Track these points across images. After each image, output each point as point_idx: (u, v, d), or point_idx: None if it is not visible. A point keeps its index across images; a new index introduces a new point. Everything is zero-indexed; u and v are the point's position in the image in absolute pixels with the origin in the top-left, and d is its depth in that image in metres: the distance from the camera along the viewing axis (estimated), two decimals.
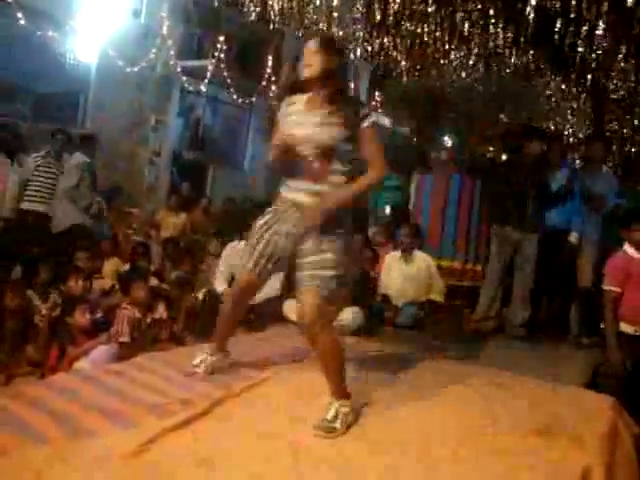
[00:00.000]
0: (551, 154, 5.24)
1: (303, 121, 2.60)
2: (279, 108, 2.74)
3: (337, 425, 2.42)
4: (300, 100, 2.67)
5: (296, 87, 2.70)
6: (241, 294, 2.91)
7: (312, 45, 2.60)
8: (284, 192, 2.70)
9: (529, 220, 4.82)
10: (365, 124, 2.56)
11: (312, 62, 2.57)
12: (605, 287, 3.77)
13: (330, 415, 2.45)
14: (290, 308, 4.73)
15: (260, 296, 4.61)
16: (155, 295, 4.34)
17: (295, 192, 2.64)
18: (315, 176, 2.58)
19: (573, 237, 5.02)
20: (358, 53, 7.68)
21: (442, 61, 7.28)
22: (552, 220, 5.02)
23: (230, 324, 3.07)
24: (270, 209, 2.74)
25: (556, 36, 5.76)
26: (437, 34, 6.63)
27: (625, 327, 3.68)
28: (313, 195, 2.58)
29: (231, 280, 4.76)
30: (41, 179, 5.82)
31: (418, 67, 8.12)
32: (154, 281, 4.92)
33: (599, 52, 5.80)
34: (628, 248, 3.76)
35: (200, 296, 4.93)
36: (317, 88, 2.61)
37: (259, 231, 2.71)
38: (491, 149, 11.11)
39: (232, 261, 4.81)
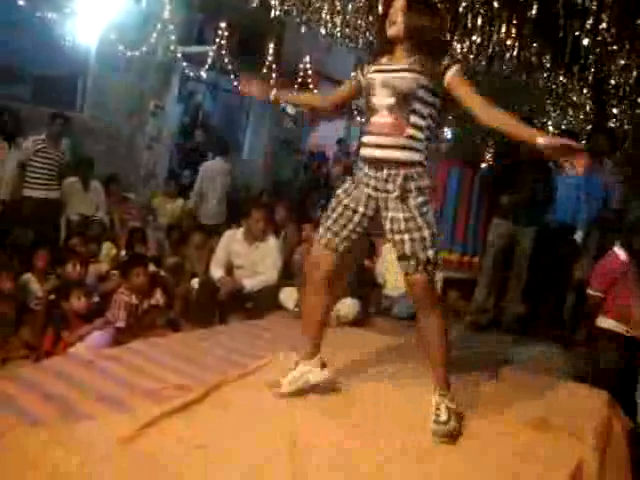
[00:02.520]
0: None
1: (382, 69, 2.45)
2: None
3: (453, 424, 2.35)
4: (381, 59, 2.50)
5: (381, 49, 2.53)
6: (313, 270, 2.58)
7: (401, 1, 2.39)
8: (362, 152, 2.49)
9: (525, 213, 4.81)
10: (451, 72, 2.35)
11: (398, 19, 2.39)
12: (589, 291, 3.84)
13: (443, 417, 2.34)
14: (287, 296, 4.74)
15: (257, 284, 4.62)
16: (153, 281, 4.34)
17: (372, 148, 2.43)
18: (392, 129, 2.37)
19: (579, 236, 4.98)
20: (360, 43, 7.64)
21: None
22: (558, 215, 4.99)
23: (316, 318, 2.65)
24: (350, 177, 2.56)
25: (560, 30, 5.73)
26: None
27: (617, 327, 3.71)
28: (392, 149, 2.38)
29: (230, 268, 4.77)
30: (42, 164, 5.76)
31: None
32: (152, 267, 4.90)
33: (602, 46, 5.78)
34: (617, 249, 3.79)
35: (195, 284, 4.92)
36: (402, 45, 2.43)
37: (334, 202, 2.53)
38: (490, 142, 11.07)
39: (229, 248, 4.80)
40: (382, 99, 2.40)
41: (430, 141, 2.46)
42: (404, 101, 2.35)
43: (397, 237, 2.37)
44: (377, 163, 2.41)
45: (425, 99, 2.38)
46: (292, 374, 2.62)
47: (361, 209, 2.47)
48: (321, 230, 2.54)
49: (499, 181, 5.07)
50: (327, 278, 2.58)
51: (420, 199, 2.36)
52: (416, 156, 2.40)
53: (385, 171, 2.39)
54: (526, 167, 4.81)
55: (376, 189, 2.42)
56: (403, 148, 2.37)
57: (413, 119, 2.37)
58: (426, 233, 2.34)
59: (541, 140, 2.18)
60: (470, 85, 2.39)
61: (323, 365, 2.67)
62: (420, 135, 2.39)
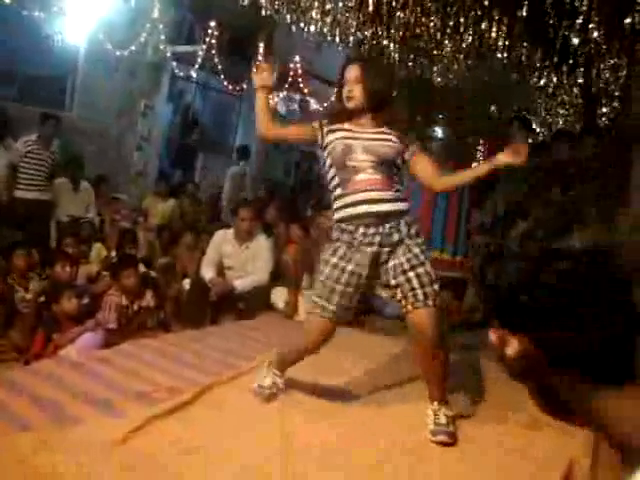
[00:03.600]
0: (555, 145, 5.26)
1: (356, 136, 2.45)
2: (318, 131, 2.53)
3: (452, 429, 2.38)
4: (346, 125, 2.51)
5: (340, 116, 2.54)
6: (319, 341, 2.53)
7: (353, 72, 2.46)
8: (352, 211, 2.42)
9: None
10: (414, 147, 2.49)
11: (355, 93, 2.45)
12: None
13: (443, 421, 2.38)
14: (278, 297, 4.73)
15: (248, 284, 4.60)
16: (143, 282, 4.31)
17: (368, 204, 2.40)
18: (383, 184, 2.42)
19: None
20: (351, 42, 7.63)
21: (434, 51, 7.25)
22: None
23: (303, 358, 2.67)
24: (337, 241, 2.46)
25: (549, 29, 5.76)
26: (430, 24, 6.59)
27: None
28: (388, 202, 2.40)
29: (221, 269, 4.74)
30: (33, 165, 5.72)
31: (410, 57, 8.08)
32: (142, 268, 4.88)
33: (592, 46, 5.80)
34: None
35: (186, 284, 4.90)
36: (363, 114, 2.49)
37: (334, 271, 2.42)
38: (482, 141, 11.09)
39: (220, 249, 4.78)
40: (365, 162, 2.42)
41: None
42: (387, 164, 2.44)
43: (401, 278, 2.38)
44: (376, 219, 2.39)
45: (397, 164, 2.50)
46: (273, 389, 2.63)
47: (365, 272, 2.42)
48: (330, 306, 2.43)
49: (489, 181, 5.08)
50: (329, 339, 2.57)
51: (420, 240, 2.45)
52: (406, 205, 2.48)
53: (387, 225, 2.40)
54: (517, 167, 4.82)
55: (381, 244, 2.40)
56: (396, 200, 2.44)
57: (394, 177, 2.48)
58: (428, 268, 2.40)
59: (498, 160, 2.38)
60: (427, 161, 2.50)
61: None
62: (401, 188, 2.50)
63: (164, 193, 7.92)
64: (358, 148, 2.42)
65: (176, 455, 2.06)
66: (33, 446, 2.00)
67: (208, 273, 4.62)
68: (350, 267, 2.41)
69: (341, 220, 2.46)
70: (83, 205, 6.35)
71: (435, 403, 2.44)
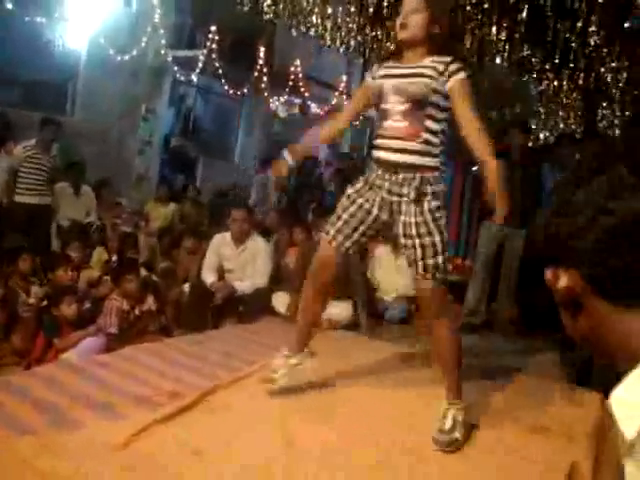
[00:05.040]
0: (558, 150, 5.26)
1: (392, 73, 2.38)
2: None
3: (457, 435, 2.28)
4: (390, 62, 2.46)
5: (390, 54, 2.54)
6: (320, 270, 2.52)
7: (412, 1, 2.34)
8: (375, 153, 2.45)
9: (515, 215, 4.82)
10: (454, 79, 2.27)
11: (409, 22, 2.33)
12: None
13: (448, 425, 2.29)
14: (279, 301, 4.72)
15: (249, 287, 4.60)
16: (144, 287, 4.30)
17: (387, 152, 2.37)
18: (407, 134, 2.32)
19: None
20: (351, 46, 7.64)
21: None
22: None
23: (310, 315, 2.64)
24: (362, 177, 2.50)
25: (550, 33, 5.77)
26: None
27: None
28: (407, 153, 2.32)
29: (221, 271, 4.74)
30: (33, 170, 5.72)
31: None
32: (143, 272, 4.87)
33: (592, 49, 5.82)
34: None
35: (186, 288, 4.89)
36: (412, 47, 2.37)
37: (346, 201, 2.47)
38: None
39: (219, 252, 4.78)
40: (395, 105, 2.35)
41: (444, 145, 2.40)
42: (418, 106, 2.31)
43: (408, 242, 2.33)
44: (392, 167, 2.36)
45: (439, 104, 2.33)
46: (282, 369, 2.61)
47: (375, 211, 2.42)
48: (331, 231, 2.48)
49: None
50: (331, 280, 2.57)
51: (434, 203, 2.32)
52: (432, 161, 2.35)
53: (401, 175, 2.34)
54: (516, 169, 4.83)
55: (390, 192, 2.37)
56: (419, 153, 2.33)
57: (428, 123, 2.33)
58: (437, 239, 2.30)
59: (486, 171, 2.27)
60: (467, 98, 2.31)
61: (312, 354, 2.68)
62: (435, 140, 2.35)
63: (165, 198, 7.91)
64: (389, 89, 2.36)
65: (180, 456, 2.05)
66: (34, 450, 2.00)
67: (209, 278, 4.62)
68: (360, 200, 2.44)
69: (372, 159, 2.51)
70: (84, 209, 6.35)
71: (445, 402, 2.40)
